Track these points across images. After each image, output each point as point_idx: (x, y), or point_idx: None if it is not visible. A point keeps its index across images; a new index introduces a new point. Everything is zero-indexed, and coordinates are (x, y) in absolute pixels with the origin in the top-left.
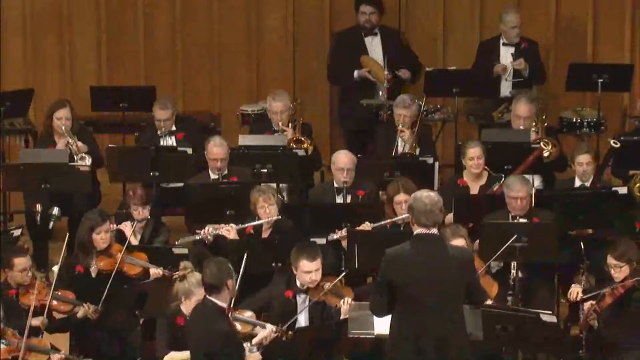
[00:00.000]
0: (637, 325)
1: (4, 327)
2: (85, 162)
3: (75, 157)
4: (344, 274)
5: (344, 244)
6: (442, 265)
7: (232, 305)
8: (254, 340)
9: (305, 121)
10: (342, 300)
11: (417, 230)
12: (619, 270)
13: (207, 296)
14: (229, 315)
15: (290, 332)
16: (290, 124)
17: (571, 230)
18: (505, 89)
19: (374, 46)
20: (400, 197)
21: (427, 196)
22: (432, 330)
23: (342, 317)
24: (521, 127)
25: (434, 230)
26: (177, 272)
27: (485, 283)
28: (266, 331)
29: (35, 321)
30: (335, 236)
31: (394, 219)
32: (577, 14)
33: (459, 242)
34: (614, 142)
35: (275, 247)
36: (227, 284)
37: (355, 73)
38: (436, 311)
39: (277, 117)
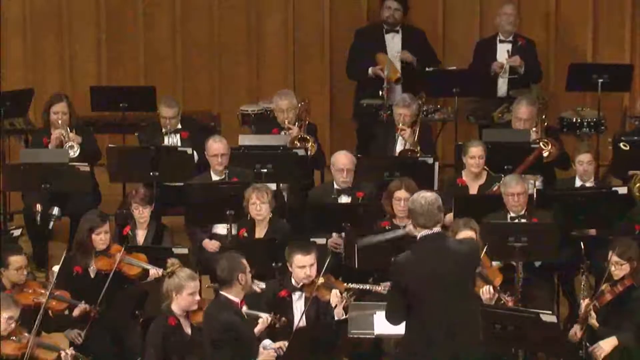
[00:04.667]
0: (636, 324)
1: (17, 325)
2: (73, 151)
3: (64, 145)
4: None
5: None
6: (450, 261)
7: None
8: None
9: (310, 122)
10: (332, 292)
11: (421, 232)
12: (619, 268)
13: (220, 291)
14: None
15: (284, 319)
16: (296, 123)
17: (571, 231)
18: (502, 86)
19: (394, 43)
20: (401, 193)
21: (424, 197)
22: (445, 328)
23: (333, 307)
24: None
25: (437, 229)
26: (165, 270)
27: (491, 273)
28: (263, 321)
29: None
30: (322, 241)
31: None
32: (576, 14)
33: (469, 234)
34: (623, 145)
35: (273, 248)
36: (239, 278)
37: (370, 70)
38: (449, 309)
39: (283, 115)
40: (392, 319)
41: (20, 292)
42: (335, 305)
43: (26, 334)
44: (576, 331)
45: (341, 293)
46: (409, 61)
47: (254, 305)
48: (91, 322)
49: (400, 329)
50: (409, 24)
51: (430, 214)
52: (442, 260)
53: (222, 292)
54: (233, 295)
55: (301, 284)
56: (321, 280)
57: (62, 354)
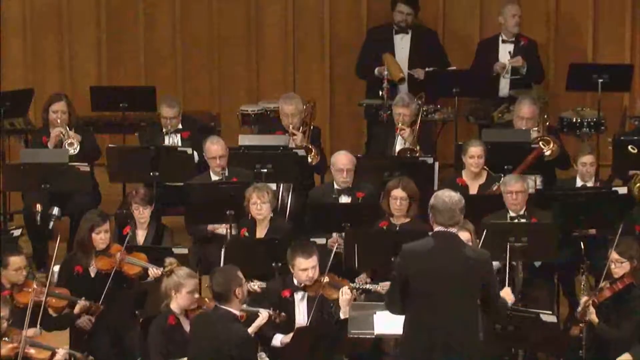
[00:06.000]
0: (636, 322)
1: (8, 325)
2: (73, 148)
3: (64, 142)
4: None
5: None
6: (457, 263)
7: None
8: (250, 329)
9: (315, 125)
10: (340, 291)
11: (436, 228)
12: (619, 266)
13: (218, 304)
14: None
15: (283, 314)
16: (300, 128)
17: (572, 231)
18: (504, 87)
19: (403, 44)
20: (397, 192)
21: (448, 196)
22: (443, 326)
23: (341, 307)
24: (523, 128)
25: (453, 230)
26: (163, 269)
27: None
28: (262, 317)
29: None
30: (322, 241)
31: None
32: (577, 13)
33: (464, 235)
34: (631, 148)
35: (274, 247)
36: (236, 292)
37: (376, 70)
38: (448, 307)
39: (288, 120)
40: (392, 308)
41: (20, 291)
42: (339, 303)
43: (18, 335)
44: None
45: (350, 290)
46: (419, 77)
47: (256, 304)
48: (95, 318)
49: (399, 329)
50: (421, 24)
51: (451, 213)
52: (452, 260)
53: (221, 306)
54: (233, 307)
55: (303, 284)
56: (326, 279)
57: (57, 352)
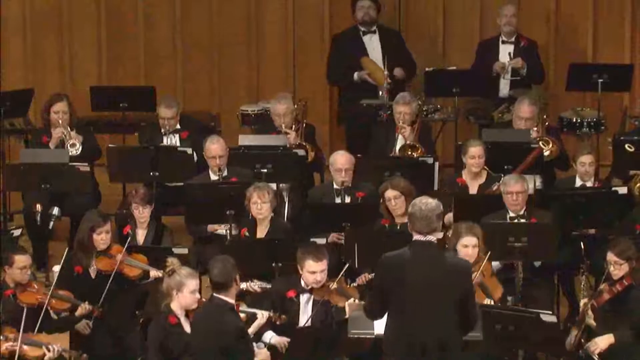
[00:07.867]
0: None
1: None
2: (75, 149)
3: (66, 143)
4: (345, 267)
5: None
6: (436, 272)
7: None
8: (251, 330)
9: (309, 122)
10: (347, 304)
11: (415, 236)
12: (618, 268)
13: (215, 294)
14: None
15: (283, 316)
16: (293, 127)
17: (571, 231)
18: (504, 87)
19: (374, 45)
20: (389, 193)
21: (425, 203)
22: (423, 334)
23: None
24: (523, 128)
25: (431, 237)
26: (164, 269)
27: (491, 284)
28: (261, 318)
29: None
30: (322, 241)
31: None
32: (576, 13)
33: (471, 240)
34: (628, 147)
35: (274, 247)
36: (235, 279)
37: (355, 75)
38: (428, 316)
39: (280, 119)
40: (370, 314)
41: (24, 291)
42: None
43: (11, 334)
44: (571, 339)
45: (354, 300)
46: (401, 77)
47: (258, 303)
48: (93, 321)
49: None
50: (383, 24)
51: (428, 221)
52: (431, 270)
53: (218, 295)
54: (230, 297)
55: (310, 287)
56: (334, 285)
57: (50, 349)
